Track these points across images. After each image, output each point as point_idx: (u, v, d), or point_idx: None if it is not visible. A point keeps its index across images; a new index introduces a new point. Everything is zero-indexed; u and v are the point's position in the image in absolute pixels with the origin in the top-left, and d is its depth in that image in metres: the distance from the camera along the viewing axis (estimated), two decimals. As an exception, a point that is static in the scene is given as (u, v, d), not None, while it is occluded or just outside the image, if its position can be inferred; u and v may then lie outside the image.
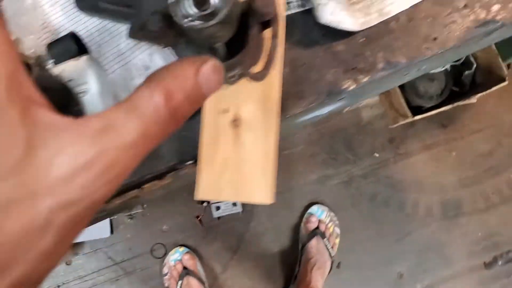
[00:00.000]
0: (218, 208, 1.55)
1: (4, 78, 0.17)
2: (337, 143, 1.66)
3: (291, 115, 0.53)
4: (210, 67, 0.20)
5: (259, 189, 0.48)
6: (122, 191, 0.56)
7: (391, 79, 0.57)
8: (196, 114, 0.52)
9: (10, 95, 0.17)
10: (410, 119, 1.25)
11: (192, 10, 0.37)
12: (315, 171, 1.65)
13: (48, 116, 0.18)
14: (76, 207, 0.17)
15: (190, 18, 0.37)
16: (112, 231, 1.64)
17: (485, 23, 0.52)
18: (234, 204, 1.54)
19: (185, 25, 0.36)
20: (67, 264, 1.67)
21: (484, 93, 1.16)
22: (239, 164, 0.49)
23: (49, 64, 0.52)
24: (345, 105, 0.64)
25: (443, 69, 1.27)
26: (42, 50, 0.53)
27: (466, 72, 1.25)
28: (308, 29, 0.53)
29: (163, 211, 1.63)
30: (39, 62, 0.54)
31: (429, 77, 1.26)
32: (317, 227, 1.55)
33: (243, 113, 0.49)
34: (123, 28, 0.54)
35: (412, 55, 0.52)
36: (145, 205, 1.64)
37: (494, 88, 1.13)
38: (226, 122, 0.49)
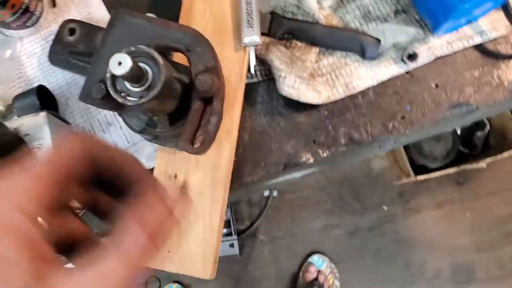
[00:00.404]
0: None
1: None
2: (344, 192, 1.60)
3: (247, 182, 0.52)
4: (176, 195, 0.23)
5: (199, 263, 0.46)
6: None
7: (362, 152, 0.55)
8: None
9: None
10: (413, 179, 1.19)
11: (128, 85, 0.37)
12: (319, 218, 1.60)
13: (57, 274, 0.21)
14: None
15: (124, 93, 0.37)
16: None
17: (458, 104, 0.50)
18: (232, 245, 1.52)
19: (120, 101, 0.36)
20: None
21: (495, 157, 1.10)
22: (182, 235, 0.47)
23: (14, 117, 0.54)
24: (321, 170, 0.62)
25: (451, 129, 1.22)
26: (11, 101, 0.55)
27: (478, 134, 1.19)
28: (271, 99, 0.52)
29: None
30: (9, 112, 0.56)
31: (435, 137, 1.21)
32: (316, 278, 1.49)
33: (192, 181, 0.48)
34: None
35: (377, 132, 0.50)
36: None
37: (506, 154, 1.07)
38: (174, 188, 0.48)
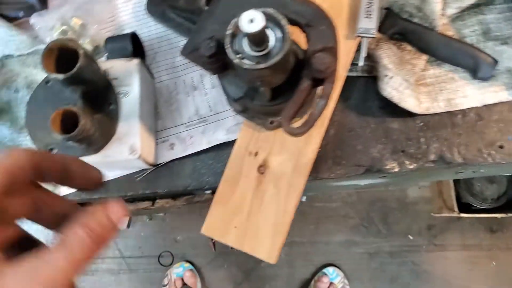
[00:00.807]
0: (233, 236, 1.51)
1: None
2: (373, 212, 1.57)
3: (323, 177, 0.50)
4: (115, 204, 0.25)
5: (265, 246, 0.45)
6: (136, 199, 0.55)
7: (441, 173, 0.52)
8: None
9: None
10: (455, 215, 1.15)
11: (247, 48, 0.36)
12: (343, 233, 1.57)
13: None
14: None
15: (241, 55, 0.35)
16: (128, 225, 1.65)
17: None
18: (250, 239, 1.50)
19: (235, 61, 0.35)
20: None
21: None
22: (252, 212, 0.46)
23: (103, 57, 0.53)
24: (387, 183, 0.59)
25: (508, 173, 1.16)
26: (102, 41, 0.54)
27: (534, 183, 1.14)
28: (366, 97, 0.50)
29: (182, 221, 1.62)
30: (96, 52, 0.55)
31: (489, 178, 1.16)
32: (327, 290, 1.46)
33: (272, 162, 0.46)
34: (183, 42, 0.55)
35: (470, 157, 0.47)
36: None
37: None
38: (252, 165, 0.47)
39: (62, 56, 0.43)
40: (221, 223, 0.46)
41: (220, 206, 0.47)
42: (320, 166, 0.49)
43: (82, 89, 0.46)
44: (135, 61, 0.50)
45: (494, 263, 1.50)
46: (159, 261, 1.61)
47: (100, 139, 0.46)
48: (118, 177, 0.53)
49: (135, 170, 0.52)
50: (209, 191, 0.53)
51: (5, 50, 0.55)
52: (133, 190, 0.53)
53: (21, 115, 0.54)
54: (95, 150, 0.47)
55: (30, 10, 0.56)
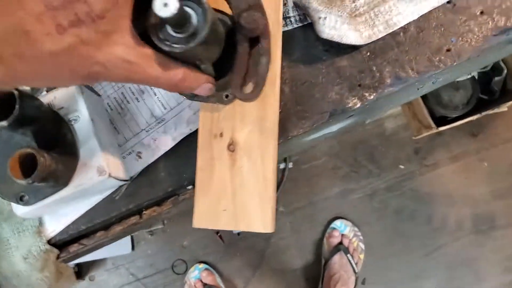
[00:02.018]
0: (237, 223, 1.52)
1: None
2: (359, 155, 1.59)
3: (293, 135, 0.50)
4: None
5: (258, 217, 0.45)
6: (122, 218, 0.54)
7: (402, 95, 0.53)
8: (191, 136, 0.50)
9: None
10: (434, 131, 1.18)
11: (172, 32, 0.35)
12: (337, 184, 1.59)
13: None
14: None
15: (169, 42, 0.34)
16: (133, 247, 1.63)
17: (505, 30, 0.48)
18: (254, 220, 1.51)
19: (166, 49, 0.34)
20: (91, 280, 1.67)
21: (515, 101, 1.08)
22: (236, 191, 0.46)
23: (43, 93, 0.51)
24: (356, 121, 0.60)
25: (469, 76, 1.19)
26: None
27: (496, 79, 1.17)
28: (309, 45, 0.50)
29: (183, 227, 1.62)
30: (34, 90, 0.53)
31: (454, 86, 1.19)
32: (341, 242, 1.49)
33: (239, 137, 0.46)
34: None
35: (423, 69, 0.48)
36: (165, 221, 1.63)
37: (526, 96, 1.05)
38: (221, 146, 0.47)
39: (5, 103, 0.41)
40: (209, 212, 0.46)
41: (203, 196, 0.46)
42: (286, 126, 0.49)
43: (32, 129, 0.44)
44: (75, 86, 0.48)
45: (485, 164, 1.56)
46: (173, 271, 1.61)
47: (65, 172, 0.45)
48: (98, 202, 0.52)
49: (112, 190, 0.51)
50: (190, 186, 0.53)
51: None
52: (117, 210, 0.52)
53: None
54: (64, 183, 0.46)
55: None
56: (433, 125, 1.15)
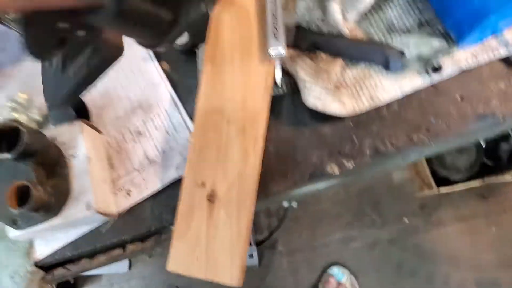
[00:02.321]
0: (235, 258, 1.53)
1: None
2: (364, 204, 1.59)
3: (274, 192, 0.53)
4: None
5: (227, 270, 0.47)
6: (107, 248, 0.57)
7: (387, 164, 0.55)
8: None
9: None
10: (435, 192, 1.18)
11: None
12: (339, 231, 1.59)
13: None
14: None
15: None
16: (130, 267, 1.66)
17: (483, 116, 0.50)
18: (251, 256, 1.52)
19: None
20: (86, 295, 1.70)
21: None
22: (210, 241, 0.48)
23: (51, 126, 0.56)
24: (345, 182, 0.62)
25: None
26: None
27: (504, 146, 1.17)
28: (296, 110, 0.53)
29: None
30: (45, 121, 0.58)
31: (458, 149, 1.19)
32: (336, 290, 1.48)
33: (219, 190, 0.49)
34: (123, 93, 0.58)
35: (402, 144, 0.50)
36: (151, 255, 1.65)
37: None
38: (202, 196, 0.50)
39: (11, 135, 0.46)
40: (183, 258, 0.49)
41: (180, 241, 0.49)
42: (268, 183, 0.52)
43: (33, 161, 0.49)
44: (78, 124, 0.53)
45: (494, 229, 1.52)
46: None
47: (57, 203, 0.49)
48: (86, 233, 0.55)
49: (100, 223, 0.55)
50: (172, 227, 0.56)
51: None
52: (101, 242, 0.55)
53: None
54: (55, 214, 0.50)
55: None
56: (434, 186, 1.16)
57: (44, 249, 0.55)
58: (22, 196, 0.45)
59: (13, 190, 0.44)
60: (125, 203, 0.55)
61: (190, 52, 0.57)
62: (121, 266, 1.63)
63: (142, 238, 0.57)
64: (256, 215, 1.58)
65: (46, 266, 0.57)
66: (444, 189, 1.16)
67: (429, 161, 1.22)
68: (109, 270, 1.62)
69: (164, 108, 0.57)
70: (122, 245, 0.57)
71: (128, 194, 0.55)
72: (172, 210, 0.54)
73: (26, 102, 0.59)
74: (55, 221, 0.50)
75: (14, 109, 0.59)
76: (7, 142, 0.47)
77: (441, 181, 1.20)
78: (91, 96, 0.59)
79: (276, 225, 1.60)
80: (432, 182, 1.16)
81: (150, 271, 1.66)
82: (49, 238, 0.55)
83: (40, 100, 0.59)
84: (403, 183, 1.57)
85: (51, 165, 0.50)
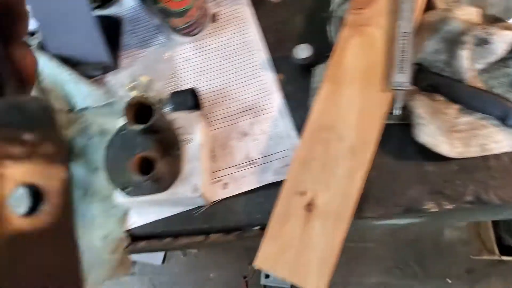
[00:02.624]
0: (267, 276, 1.53)
1: None
2: (409, 254, 1.55)
3: (366, 217, 0.54)
4: None
5: (313, 278, 0.49)
6: (193, 233, 0.60)
7: (479, 214, 0.56)
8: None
9: None
10: (496, 258, 1.14)
11: None
12: (378, 275, 1.55)
13: None
14: None
15: None
16: (163, 261, 1.70)
17: None
18: (285, 279, 1.51)
19: None
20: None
21: None
22: (302, 247, 0.50)
23: (167, 109, 0.61)
24: (425, 223, 0.63)
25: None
26: (164, 95, 0.62)
27: None
28: (404, 142, 0.55)
29: (216, 259, 1.66)
30: (161, 105, 0.63)
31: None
32: (362, 335, 1.44)
33: (319, 201, 0.51)
34: (236, 94, 0.62)
35: (508, 198, 0.51)
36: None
37: None
38: (300, 204, 0.52)
39: (139, 110, 0.51)
40: (272, 257, 0.51)
41: (271, 242, 0.52)
42: (363, 206, 0.54)
43: (155, 137, 0.53)
44: (197, 113, 0.57)
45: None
46: (191, 298, 1.64)
47: (168, 180, 0.53)
48: (179, 213, 0.59)
49: (194, 207, 0.58)
50: (257, 227, 0.58)
51: (84, 103, 0.64)
52: (192, 225, 0.59)
53: (94, 158, 0.62)
54: (164, 189, 0.53)
55: (106, 69, 0.66)
56: (497, 251, 1.12)
57: (137, 219, 0.59)
58: (142, 166, 0.49)
59: (138, 158, 0.48)
60: (221, 194, 0.58)
61: (307, 68, 0.60)
62: (156, 258, 1.67)
63: (228, 231, 0.59)
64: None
65: (133, 236, 0.61)
66: (507, 258, 1.12)
67: (494, 224, 1.18)
68: (144, 258, 1.66)
69: (272, 115, 0.60)
70: (207, 232, 0.60)
71: (225, 186, 0.58)
72: (262, 210, 0.57)
73: (147, 83, 0.64)
74: (161, 196, 0.54)
75: (133, 88, 0.64)
76: (136, 116, 0.51)
77: (504, 249, 1.16)
78: (206, 90, 0.63)
79: (314, 253, 1.58)
80: (495, 247, 1.12)
81: (181, 269, 1.69)
82: (144, 211, 0.59)
83: (159, 85, 0.65)
84: (454, 242, 1.53)
85: (168, 145, 0.55)
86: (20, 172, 0.20)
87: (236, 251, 1.64)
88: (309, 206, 0.52)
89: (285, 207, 0.53)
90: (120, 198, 0.55)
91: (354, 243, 1.60)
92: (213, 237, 0.60)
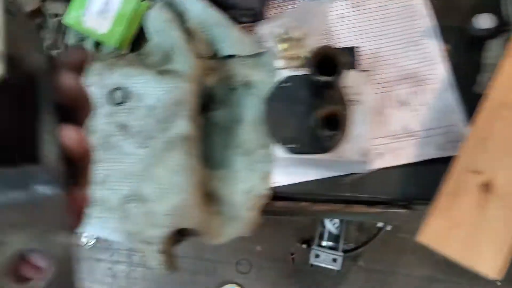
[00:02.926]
0: (317, 256, 1.51)
1: None
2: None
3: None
4: None
5: (488, 260, 0.47)
6: (335, 200, 0.58)
7: None
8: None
9: None
10: None
11: None
12: (427, 268, 1.53)
13: None
14: None
15: None
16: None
17: None
18: (335, 260, 1.50)
19: None
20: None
21: None
22: (475, 228, 0.48)
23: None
24: None
25: None
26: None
27: None
28: None
29: (267, 232, 1.64)
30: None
31: None
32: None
33: (500, 181, 0.48)
34: (393, 60, 0.58)
35: None
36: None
37: None
38: (474, 183, 0.49)
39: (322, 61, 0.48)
40: (440, 234, 0.49)
41: (439, 218, 0.49)
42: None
43: (328, 93, 0.50)
44: (365, 73, 0.54)
45: None
46: (236, 267, 1.64)
47: (335, 142, 0.50)
48: (326, 178, 0.56)
49: (347, 173, 0.56)
50: (404, 203, 0.56)
51: (231, 50, 0.61)
52: (337, 191, 0.56)
53: (238, 110, 0.59)
54: (327, 150, 0.51)
55: (255, 17, 0.62)
56: None
57: (282, 178, 0.57)
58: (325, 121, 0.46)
59: (325, 113, 0.46)
60: (376, 164, 0.55)
61: (481, 41, 0.56)
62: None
63: (372, 203, 0.57)
64: (348, 225, 1.56)
65: (272, 196, 0.58)
66: None
67: None
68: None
69: (435, 87, 0.57)
70: (350, 202, 0.57)
71: (380, 156, 0.55)
72: (419, 187, 0.54)
73: (299, 37, 0.61)
74: (321, 156, 0.51)
75: (284, 40, 0.61)
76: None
77: None
78: (361, 52, 0.60)
79: (364, 240, 1.57)
80: None
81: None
82: (292, 171, 0.56)
83: (312, 40, 0.61)
84: None
85: (336, 103, 0.52)
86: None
87: (285, 228, 1.62)
88: (486, 186, 0.49)
89: (455, 184, 0.50)
90: (280, 153, 0.52)
91: (406, 234, 1.58)
92: (356, 208, 0.57)
